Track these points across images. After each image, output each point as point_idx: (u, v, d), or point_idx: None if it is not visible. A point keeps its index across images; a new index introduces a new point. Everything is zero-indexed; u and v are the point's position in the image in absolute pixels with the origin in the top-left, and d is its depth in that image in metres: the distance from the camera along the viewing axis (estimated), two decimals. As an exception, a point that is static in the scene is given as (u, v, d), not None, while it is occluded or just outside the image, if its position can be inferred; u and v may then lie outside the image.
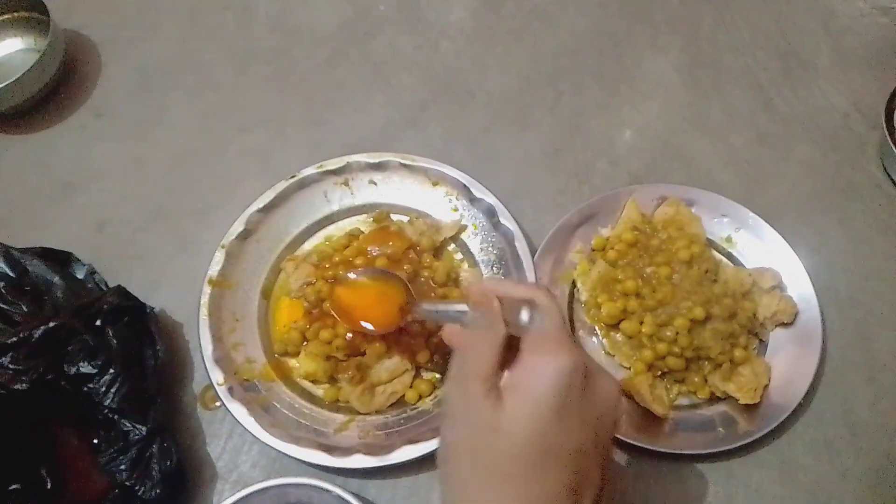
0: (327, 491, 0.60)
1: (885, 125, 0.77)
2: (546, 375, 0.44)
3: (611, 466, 0.49)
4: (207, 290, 0.72)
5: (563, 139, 0.84)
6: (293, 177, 0.78)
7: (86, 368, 0.63)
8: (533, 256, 0.72)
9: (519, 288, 0.53)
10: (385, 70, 0.92)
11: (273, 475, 0.66)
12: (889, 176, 0.79)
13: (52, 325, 0.63)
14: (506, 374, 0.47)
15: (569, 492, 0.44)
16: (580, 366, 0.45)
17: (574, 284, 0.73)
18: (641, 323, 0.68)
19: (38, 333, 0.62)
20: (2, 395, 0.60)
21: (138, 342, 0.68)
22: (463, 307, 0.53)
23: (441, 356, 0.69)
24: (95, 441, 0.64)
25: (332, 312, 0.66)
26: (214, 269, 0.73)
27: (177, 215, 0.82)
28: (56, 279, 0.70)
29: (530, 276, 0.71)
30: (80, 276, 0.74)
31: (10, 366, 0.61)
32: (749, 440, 0.63)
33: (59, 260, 0.74)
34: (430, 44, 0.94)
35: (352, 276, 0.67)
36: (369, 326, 0.65)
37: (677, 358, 0.66)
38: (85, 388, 0.63)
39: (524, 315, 0.48)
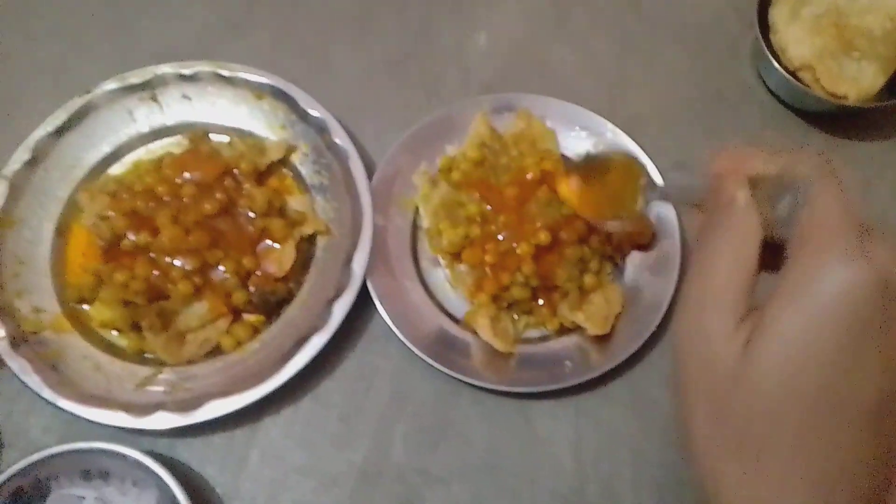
0: (123, 456, 0.53)
1: (758, 25, 0.70)
2: (827, 291, 0.30)
3: None
4: (-18, 230, 0.61)
5: (409, 45, 0.74)
6: (88, 92, 0.66)
7: None
8: (371, 180, 0.64)
9: (775, 161, 0.36)
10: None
11: (68, 440, 0.57)
12: (762, 80, 0.73)
13: None
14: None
15: (870, 471, 0.31)
16: (884, 277, 0.30)
17: (417, 211, 0.66)
18: (485, 251, 0.61)
19: None
20: None
21: None
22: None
23: (259, 296, 0.61)
24: None
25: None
26: (-8, 206, 0.62)
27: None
28: None
29: (366, 203, 0.63)
30: None
31: None
32: (597, 374, 0.58)
33: None
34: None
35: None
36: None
37: (522, 287, 0.60)
38: None
39: (786, 203, 0.34)
